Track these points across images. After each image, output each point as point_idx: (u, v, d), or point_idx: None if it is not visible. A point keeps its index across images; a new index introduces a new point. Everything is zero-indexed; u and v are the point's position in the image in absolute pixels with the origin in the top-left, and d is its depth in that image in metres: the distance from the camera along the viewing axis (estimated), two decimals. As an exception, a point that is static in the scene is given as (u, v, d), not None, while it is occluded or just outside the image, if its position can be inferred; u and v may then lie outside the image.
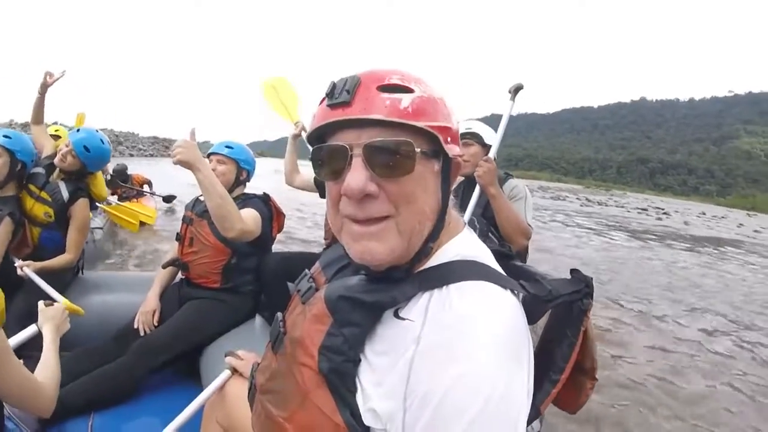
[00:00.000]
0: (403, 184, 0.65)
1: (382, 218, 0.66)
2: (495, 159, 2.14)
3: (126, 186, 7.80)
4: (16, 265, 2.22)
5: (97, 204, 3.18)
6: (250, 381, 0.97)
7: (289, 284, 2.30)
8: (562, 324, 0.77)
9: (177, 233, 2.38)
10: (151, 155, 38.80)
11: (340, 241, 0.74)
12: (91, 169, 2.56)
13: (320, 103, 0.70)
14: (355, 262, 0.73)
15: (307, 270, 0.91)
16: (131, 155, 33.28)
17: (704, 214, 36.42)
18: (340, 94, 0.66)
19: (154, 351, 2.01)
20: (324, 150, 0.68)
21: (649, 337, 4.93)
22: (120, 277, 2.94)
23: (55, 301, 1.93)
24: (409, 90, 0.66)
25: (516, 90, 2.23)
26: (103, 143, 2.54)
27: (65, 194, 2.44)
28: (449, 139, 0.69)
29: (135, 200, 7.69)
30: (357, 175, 0.64)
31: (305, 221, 9.68)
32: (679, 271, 9.11)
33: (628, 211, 28.55)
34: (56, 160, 2.45)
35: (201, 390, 1.47)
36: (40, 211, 2.41)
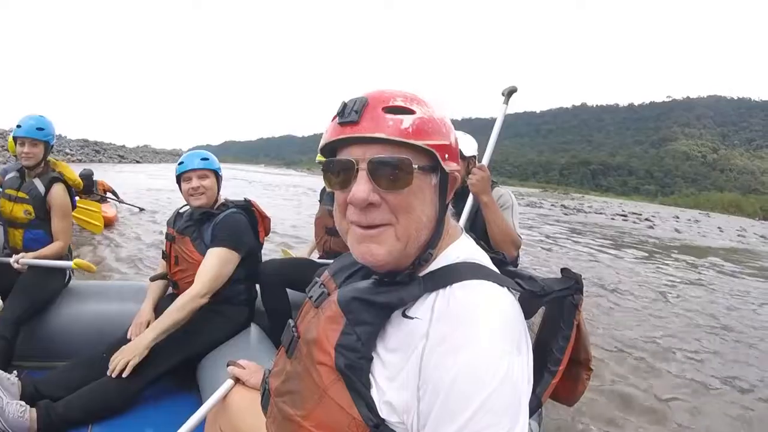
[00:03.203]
0: (402, 195, 0.71)
1: (383, 225, 0.73)
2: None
3: (94, 193, 8.09)
4: (11, 261, 2.23)
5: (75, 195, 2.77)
6: (263, 387, 0.99)
7: (288, 290, 2.36)
8: (556, 319, 0.83)
9: (162, 251, 2.36)
10: (80, 160, 35.33)
11: (346, 243, 0.79)
12: (52, 142, 2.52)
13: (332, 120, 0.75)
14: (363, 268, 0.84)
15: (317, 278, 0.96)
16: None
17: (678, 217, 36.23)
18: (349, 114, 0.72)
19: (152, 363, 1.93)
20: (334, 163, 0.75)
21: None
22: (110, 286, 2.85)
23: (65, 270, 2.41)
24: (411, 111, 0.71)
25: (509, 93, 2.18)
26: (42, 117, 2.50)
27: (41, 188, 2.44)
28: (447, 155, 0.74)
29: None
30: (361, 187, 0.70)
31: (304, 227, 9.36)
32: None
33: (612, 218, 27.31)
34: (24, 163, 2.46)
35: (199, 400, 1.52)
36: (20, 210, 2.42)
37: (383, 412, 0.69)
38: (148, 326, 2.07)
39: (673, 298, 7.19)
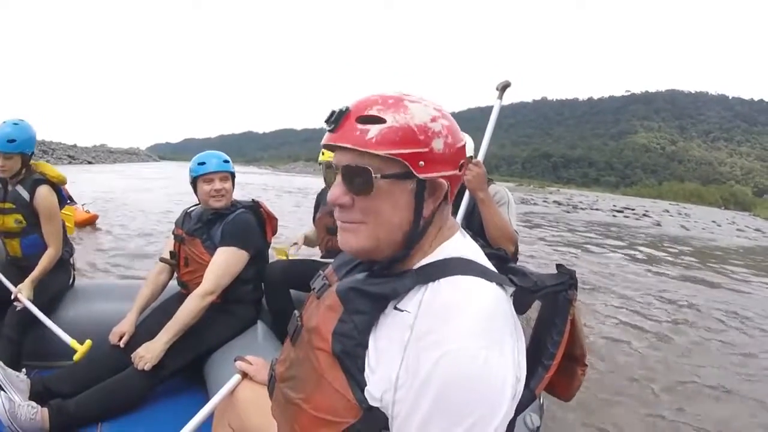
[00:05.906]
0: (368, 200, 0.76)
1: (356, 222, 0.79)
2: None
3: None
4: (12, 297, 2.21)
5: (63, 192, 2.68)
6: (270, 373, 1.04)
7: (292, 291, 2.40)
8: (550, 314, 0.84)
9: (171, 251, 2.33)
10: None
11: None
12: (29, 150, 2.43)
13: None
14: (363, 263, 0.89)
15: (321, 271, 1.01)
16: None
17: (668, 211, 35.57)
18: (331, 122, 0.77)
19: (164, 362, 1.96)
20: (326, 165, 0.87)
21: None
22: (116, 285, 2.98)
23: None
24: (381, 120, 0.74)
25: (504, 87, 2.23)
26: (17, 124, 2.40)
27: (26, 194, 2.41)
28: (422, 162, 0.75)
29: None
30: (336, 189, 0.78)
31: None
32: None
33: (614, 215, 26.14)
34: (0, 176, 2.41)
35: (206, 396, 1.54)
36: (11, 221, 2.42)
37: (370, 398, 0.73)
38: (122, 337, 2.07)
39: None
